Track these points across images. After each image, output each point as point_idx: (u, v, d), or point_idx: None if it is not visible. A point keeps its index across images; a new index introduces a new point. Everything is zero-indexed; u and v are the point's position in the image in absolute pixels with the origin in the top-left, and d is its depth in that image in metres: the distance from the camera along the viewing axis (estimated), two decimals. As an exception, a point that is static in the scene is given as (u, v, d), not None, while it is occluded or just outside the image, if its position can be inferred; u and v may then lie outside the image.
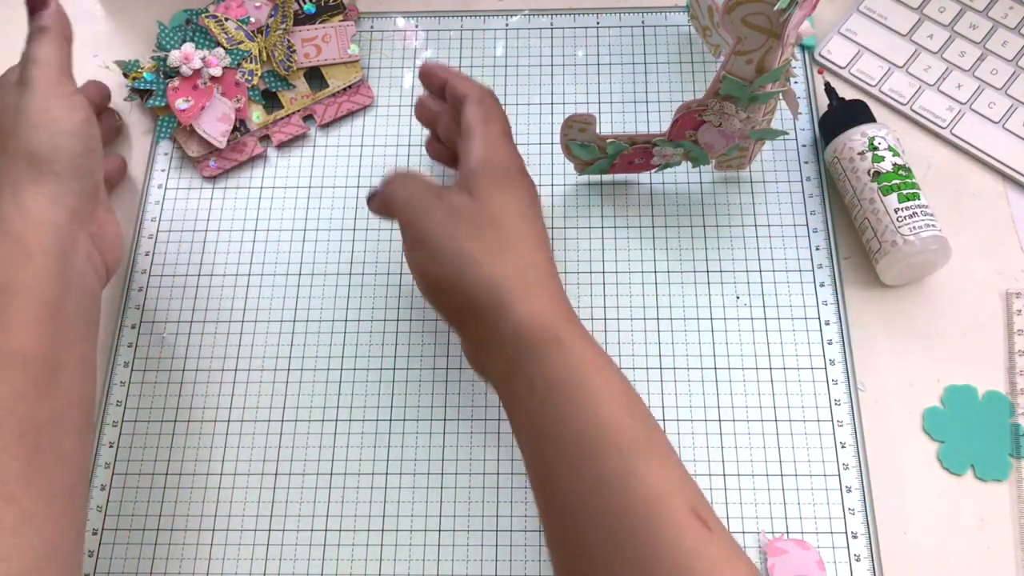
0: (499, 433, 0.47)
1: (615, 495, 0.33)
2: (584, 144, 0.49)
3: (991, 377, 0.48)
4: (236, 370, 0.49)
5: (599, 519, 0.33)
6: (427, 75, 0.46)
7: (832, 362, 0.48)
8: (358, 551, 0.45)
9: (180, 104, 0.52)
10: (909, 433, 0.47)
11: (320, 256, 0.52)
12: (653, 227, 0.52)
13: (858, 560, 0.43)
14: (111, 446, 0.47)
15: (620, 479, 0.33)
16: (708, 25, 0.54)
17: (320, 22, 0.56)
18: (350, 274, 0.51)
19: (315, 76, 0.56)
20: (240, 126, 0.53)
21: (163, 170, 0.55)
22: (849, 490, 0.45)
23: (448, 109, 0.46)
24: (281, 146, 0.55)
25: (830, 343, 0.48)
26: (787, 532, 0.44)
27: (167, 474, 0.47)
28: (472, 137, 0.42)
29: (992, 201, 0.52)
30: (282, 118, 0.54)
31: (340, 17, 0.56)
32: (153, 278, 0.52)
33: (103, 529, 0.46)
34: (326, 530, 0.45)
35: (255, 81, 0.54)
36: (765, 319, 0.49)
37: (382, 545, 0.45)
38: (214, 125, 0.52)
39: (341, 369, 0.49)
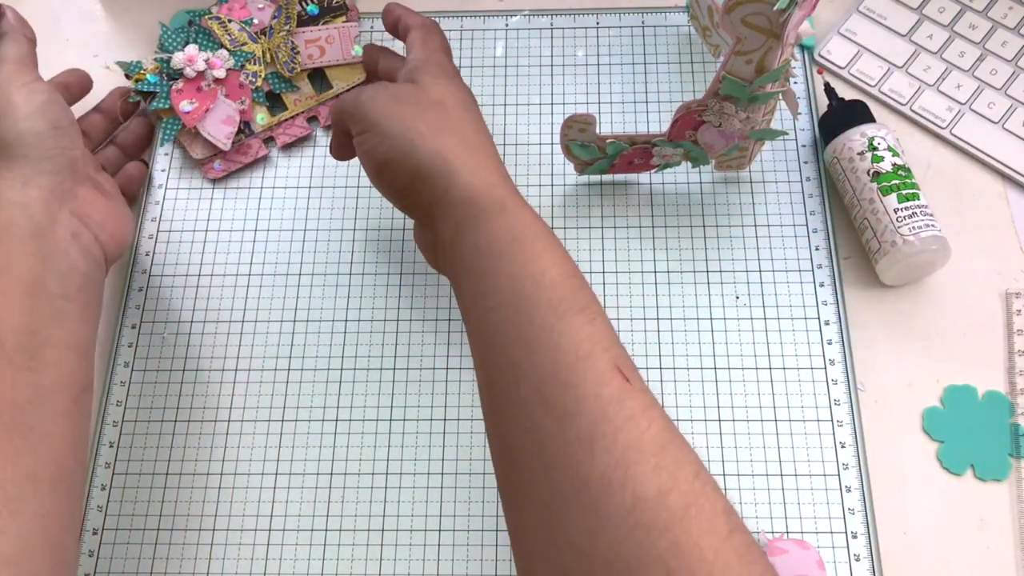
0: (499, 433, 0.47)
1: (544, 349, 0.34)
2: (584, 144, 0.49)
3: (991, 377, 0.48)
4: (236, 370, 0.49)
5: (528, 372, 0.34)
6: (385, 13, 0.50)
7: (832, 362, 0.48)
8: (358, 551, 0.45)
9: (184, 106, 0.52)
10: (909, 433, 0.47)
11: (320, 256, 0.52)
12: (653, 227, 0.52)
13: (858, 560, 0.43)
14: (111, 446, 0.47)
15: (549, 333, 0.34)
16: (708, 25, 0.54)
17: (323, 23, 0.55)
18: (350, 274, 0.51)
19: (319, 77, 0.56)
20: (244, 128, 0.53)
21: (163, 170, 0.55)
22: (849, 490, 0.45)
23: (387, 53, 0.50)
24: (285, 147, 0.55)
25: (830, 343, 0.48)
26: (787, 532, 0.44)
27: (167, 474, 0.47)
28: (412, 49, 0.46)
29: (992, 201, 0.52)
30: (286, 120, 0.54)
31: (343, 18, 0.56)
32: (153, 278, 0.52)
33: (103, 529, 0.46)
34: (326, 530, 0.45)
35: (259, 83, 0.53)
36: (765, 319, 0.49)
37: (382, 545, 0.45)
38: (218, 127, 0.52)
39: (341, 369, 0.49)
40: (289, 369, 0.49)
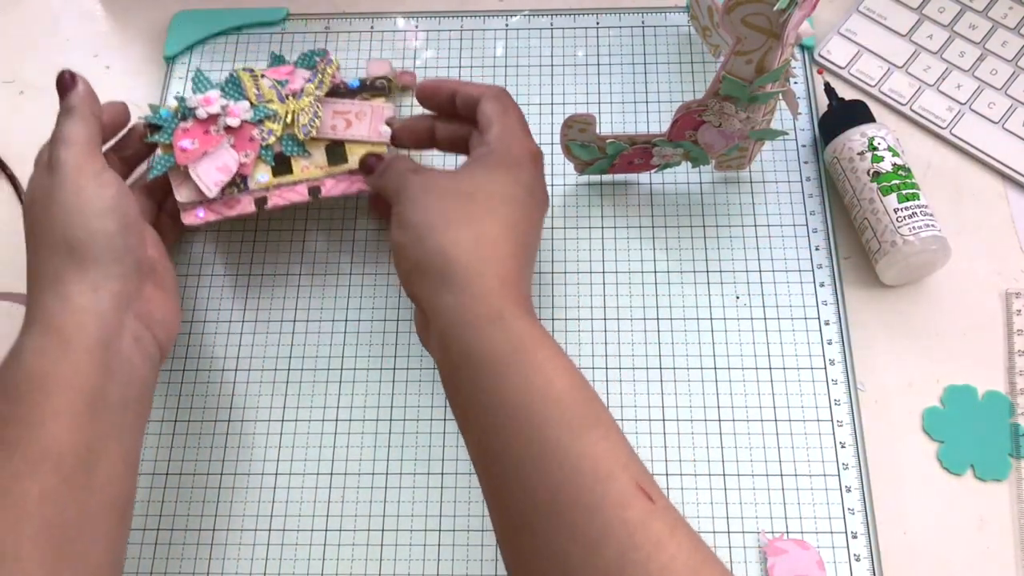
0: (499, 433, 0.47)
1: (562, 471, 0.33)
2: (584, 144, 0.49)
3: (991, 377, 0.48)
4: (236, 370, 0.49)
5: (548, 498, 0.33)
6: (432, 91, 0.47)
7: (832, 362, 0.48)
8: (358, 551, 0.45)
9: (183, 143, 0.47)
10: (909, 433, 0.47)
11: (320, 256, 0.52)
12: (653, 227, 0.52)
13: (858, 560, 0.43)
14: (111, 446, 0.47)
15: (566, 454, 0.33)
16: (708, 25, 0.54)
17: (360, 98, 0.50)
18: (350, 274, 0.51)
19: (336, 152, 0.49)
20: (240, 182, 0.47)
21: (163, 170, 0.55)
22: (849, 490, 0.45)
23: (447, 123, 0.47)
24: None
25: (830, 343, 0.48)
26: (787, 532, 0.44)
27: (167, 474, 0.47)
28: (490, 128, 0.43)
29: (992, 201, 0.52)
30: (287, 184, 0.48)
31: (383, 99, 0.50)
32: (153, 278, 0.52)
33: (103, 529, 0.46)
34: (326, 530, 0.45)
35: (271, 141, 0.48)
36: (765, 319, 0.49)
37: (382, 545, 0.45)
38: (211, 173, 0.47)
39: (341, 369, 0.49)
40: (289, 369, 0.49)
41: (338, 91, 0.50)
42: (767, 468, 0.46)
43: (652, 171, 0.52)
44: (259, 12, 0.59)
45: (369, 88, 0.50)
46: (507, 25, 0.59)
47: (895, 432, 0.47)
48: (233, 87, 0.49)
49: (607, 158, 0.50)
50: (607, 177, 0.53)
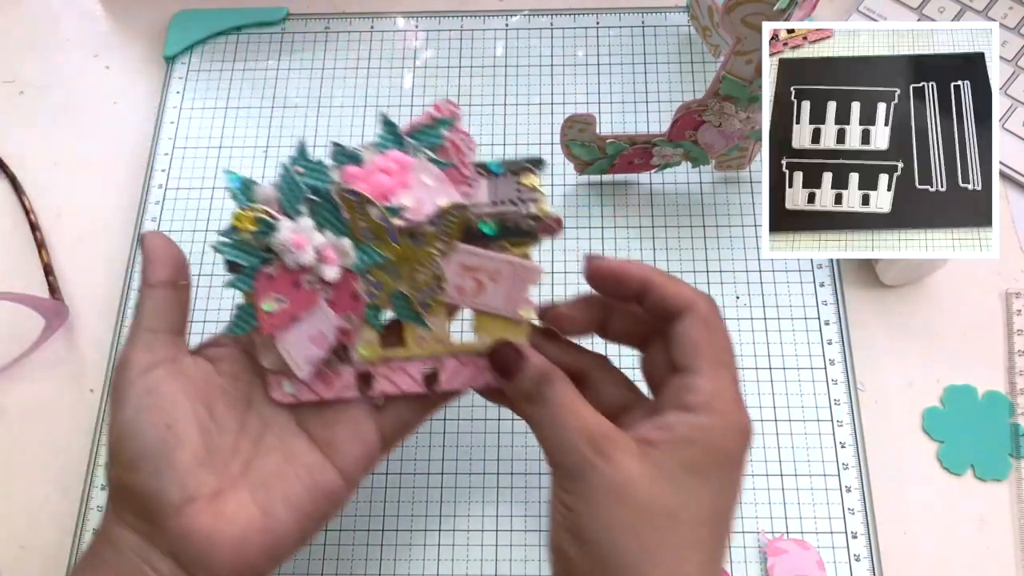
0: (499, 433, 0.47)
1: None
2: (584, 144, 0.49)
3: (991, 377, 0.48)
4: (236, 370, 0.49)
5: None
6: (615, 276, 0.35)
7: (832, 362, 0.48)
8: (358, 551, 0.45)
9: (267, 305, 0.36)
10: (909, 433, 0.47)
11: (320, 256, 0.52)
12: (653, 227, 0.52)
13: (858, 560, 0.43)
14: (111, 446, 0.47)
15: None
16: (708, 25, 0.54)
17: (497, 247, 0.36)
18: (350, 274, 0.51)
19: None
20: (340, 351, 0.37)
21: (163, 170, 0.55)
22: (849, 490, 0.45)
23: (615, 317, 0.37)
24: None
25: (830, 343, 0.48)
26: (787, 532, 0.44)
27: (167, 474, 0.47)
28: (698, 380, 0.33)
29: (992, 201, 0.52)
30: (398, 359, 0.37)
31: (529, 247, 0.37)
32: (153, 278, 0.52)
33: (103, 529, 0.46)
34: (326, 530, 0.45)
35: (380, 298, 0.36)
36: (765, 319, 0.49)
37: (382, 545, 0.45)
38: (302, 346, 0.36)
39: (341, 369, 0.49)
40: (289, 369, 0.49)
41: (471, 233, 0.36)
42: (767, 468, 0.46)
43: (652, 171, 0.52)
44: (259, 12, 0.59)
45: (512, 234, 0.37)
46: (507, 25, 0.59)
47: (895, 432, 0.47)
48: (328, 211, 0.36)
49: (607, 158, 0.50)
50: (607, 177, 0.53)
